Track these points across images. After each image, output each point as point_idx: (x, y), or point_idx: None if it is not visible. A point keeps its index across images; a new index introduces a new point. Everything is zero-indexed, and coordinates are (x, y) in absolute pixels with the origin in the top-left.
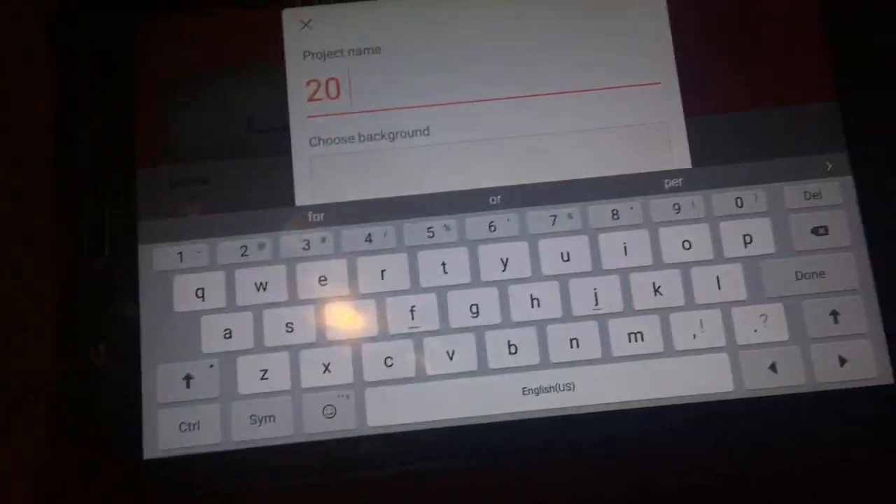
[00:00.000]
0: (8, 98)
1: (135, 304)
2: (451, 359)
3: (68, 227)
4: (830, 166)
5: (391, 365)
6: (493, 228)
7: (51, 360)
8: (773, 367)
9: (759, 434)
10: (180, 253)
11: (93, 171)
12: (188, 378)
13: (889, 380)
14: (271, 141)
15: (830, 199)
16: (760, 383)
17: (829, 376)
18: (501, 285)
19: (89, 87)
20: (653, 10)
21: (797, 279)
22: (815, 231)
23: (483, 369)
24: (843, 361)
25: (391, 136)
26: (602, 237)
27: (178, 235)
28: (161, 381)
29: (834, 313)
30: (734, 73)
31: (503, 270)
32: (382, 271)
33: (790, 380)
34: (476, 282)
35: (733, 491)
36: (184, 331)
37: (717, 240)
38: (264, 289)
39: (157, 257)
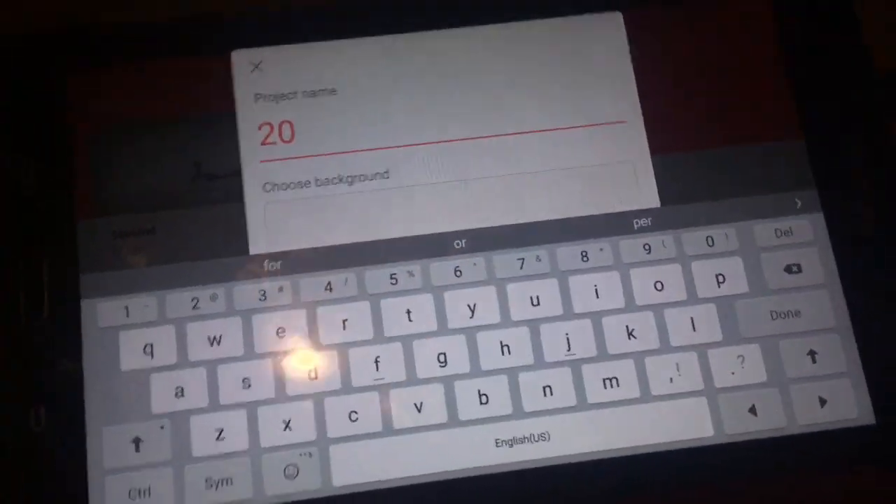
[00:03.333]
0: None
1: (77, 362)
2: (419, 411)
3: (5, 282)
4: (800, 203)
5: (356, 420)
6: (458, 273)
7: None
8: (752, 410)
9: (741, 478)
10: (126, 307)
11: (30, 225)
12: (137, 441)
13: (870, 419)
14: (222, 187)
15: (802, 236)
16: (741, 427)
17: (809, 418)
18: (469, 332)
19: (21, 139)
20: (616, 50)
21: (773, 319)
22: (788, 269)
23: (454, 421)
24: (823, 402)
25: (349, 179)
26: (572, 280)
27: (124, 289)
28: (107, 444)
29: (812, 353)
30: (699, 111)
31: (471, 317)
32: (344, 321)
33: (771, 422)
34: (443, 329)
35: None
36: (131, 390)
37: (689, 280)
38: (218, 343)
39: (101, 312)
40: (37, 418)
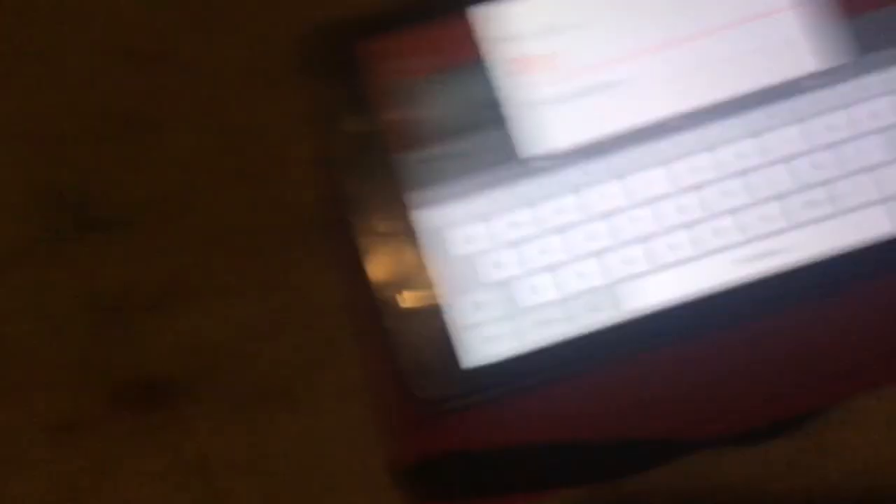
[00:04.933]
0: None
1: (423, 256)
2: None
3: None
4: None
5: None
6: (678, 146)
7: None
8: None
9: None
10: (446, 212)
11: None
12: (477, 304)
13: None
14: (495, 114)
15: None
16: None
17: None
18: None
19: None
20: None
21: None
22: None
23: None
24: None
25: (592, 90)
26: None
27: (441, 199)
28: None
29: None
30: None
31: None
32: (600, 193)
33: None
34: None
35: None
36: (464, 270)
37: None
38: (518, 227)
39: (428, 218)
40: (403, 300)
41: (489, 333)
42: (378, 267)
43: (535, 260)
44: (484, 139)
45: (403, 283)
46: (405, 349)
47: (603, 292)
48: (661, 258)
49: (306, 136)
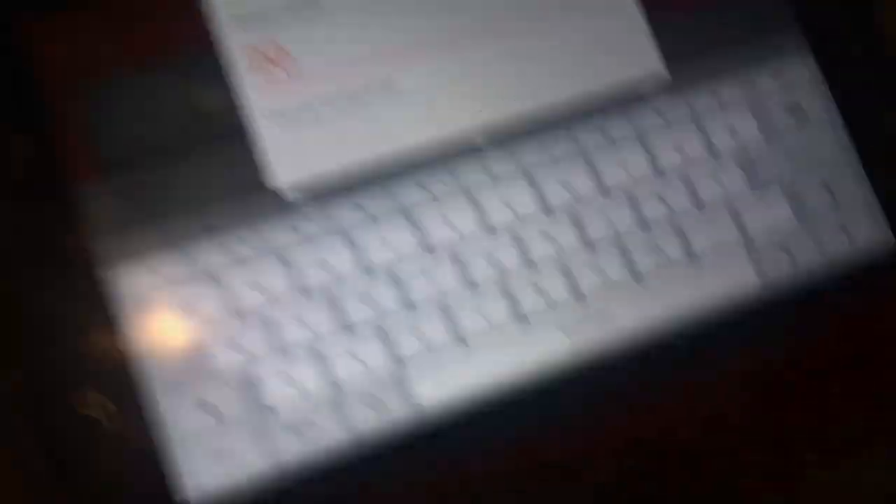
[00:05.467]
0: None
1: (118, 335)
2: (483, 316)
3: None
4: (790, 45)
5: (423, 337)
6: (487, 171)
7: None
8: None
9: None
10: (154, 268)
11: (29, 197)
12: (203, 404)
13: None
14: (225, 126)
15: (798, 77)
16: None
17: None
18: (511, 227)
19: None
20: None
21: (787, 160)
22: (789, 110)
23: (519, 318)
24: (847, 232)
25: (354, 93)
26: (597, 157)
27: (146, 249)
28: (173, 412)
29: (826, 186)
30: None
31: (510, 211)
32: (384, 239)
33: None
34: (487, 228)
35: None
36: (186, 353)
37: (705, 138)
38: (263, 288)
39: (128, 279)
40: (95, 406)
41: (222, 447)
42: (47, 352)
43: (289, 335)
44: (212, 162)
45: (86, 376)
46: (94, 473)
47: (388, 380)
48: (467, 328)
49: None
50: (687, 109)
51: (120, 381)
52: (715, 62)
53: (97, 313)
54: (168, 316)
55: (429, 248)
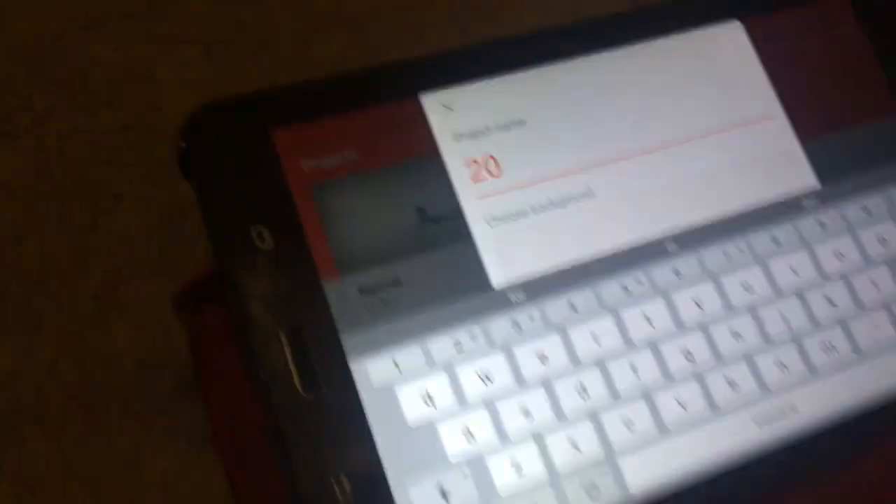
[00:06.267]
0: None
1: (365, 425)
2: (684, 409)
3: (272, 364)
4: None
5: (633, 428)
6: (677, 273)
7: None
8: None
9: None
10: (394, 361)
11: (279, 294)
12: (443, 492)
13: None
14: (449, 229)
15: None
16: None
17: None
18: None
19: (252, 209)
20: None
21: None
22: None
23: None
24: None
25: (560, 202)
26: (771, 263)
27: (387, 343)
28: (417, 502)
29: None
30: (833, 92)
31: (699, 311)
32: (594, 334)
33: None
34: (679, 326)
35: None
36: (423, 443)
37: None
38: (490, 379)
39: (372, 371)
40: (342, 491)
41: None
42: (297, 442)
43: (514, 423)
44: (439, 261)
45: (338, 464)
46: None
47: (603, 465)
48: (669, 417)
49: None
50: (840, 219)
51: (367, 466)
52: (863, 177)
53: (346, 402)
54: (409, 405)
55: (629, 342)
